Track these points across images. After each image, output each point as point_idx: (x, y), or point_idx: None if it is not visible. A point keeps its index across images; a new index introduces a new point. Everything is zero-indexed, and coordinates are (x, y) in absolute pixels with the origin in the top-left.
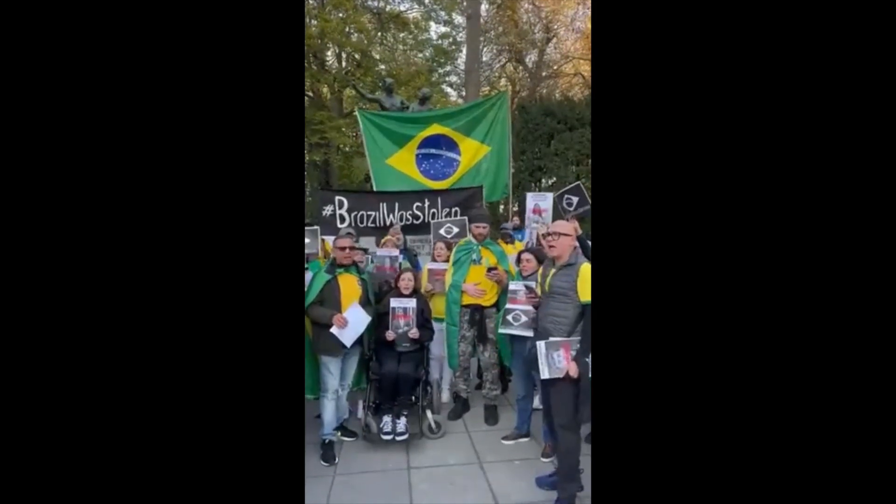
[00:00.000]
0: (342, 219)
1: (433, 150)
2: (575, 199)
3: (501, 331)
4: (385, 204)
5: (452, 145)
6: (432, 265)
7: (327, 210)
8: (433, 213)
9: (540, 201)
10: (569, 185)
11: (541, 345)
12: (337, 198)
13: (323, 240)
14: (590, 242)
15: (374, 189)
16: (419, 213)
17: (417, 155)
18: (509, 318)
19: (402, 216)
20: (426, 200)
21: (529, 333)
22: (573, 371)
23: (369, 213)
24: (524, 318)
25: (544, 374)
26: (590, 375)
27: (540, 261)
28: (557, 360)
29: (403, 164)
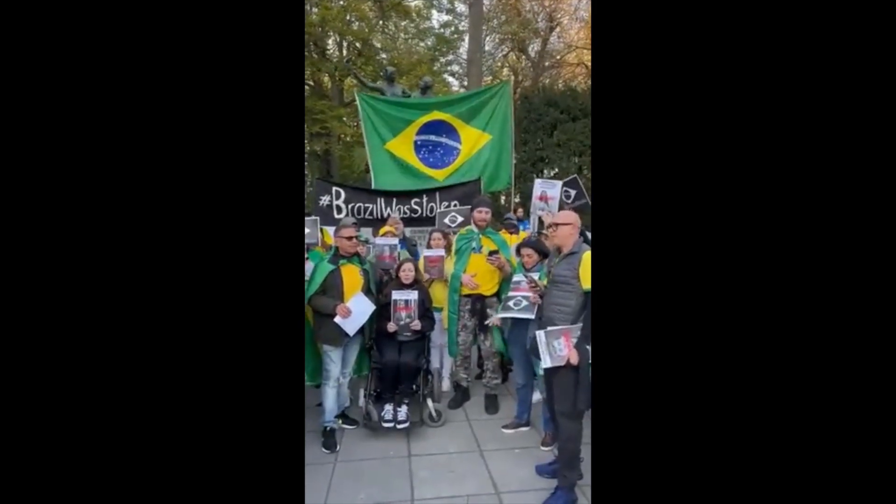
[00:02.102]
0: (339, 209)
1: (433, 137)
2: (573, 192)
3: (501, 315)
4: (382, 198)
5: (452, 132)
6: (428, 252)
7: (324, 200)
8: (431, 208)
9: (548, 188)
10: (568, 176)
11: (540, 334)
12: (334, 189)
13: (322, 230)
14: (589, 234)
15: (371, 173)
16: (417, 208)
17: (416, 141)
18: (510, 304)
19: (399, 210)
20: (424, 196)
21: (530, 316)
22: (573, 358)
23: (367, 205)
24: (525, 303)
25: (546, 362)
26: (589, 362)
27: (541, 253)
28: (559, 348)
29: (402, 150)
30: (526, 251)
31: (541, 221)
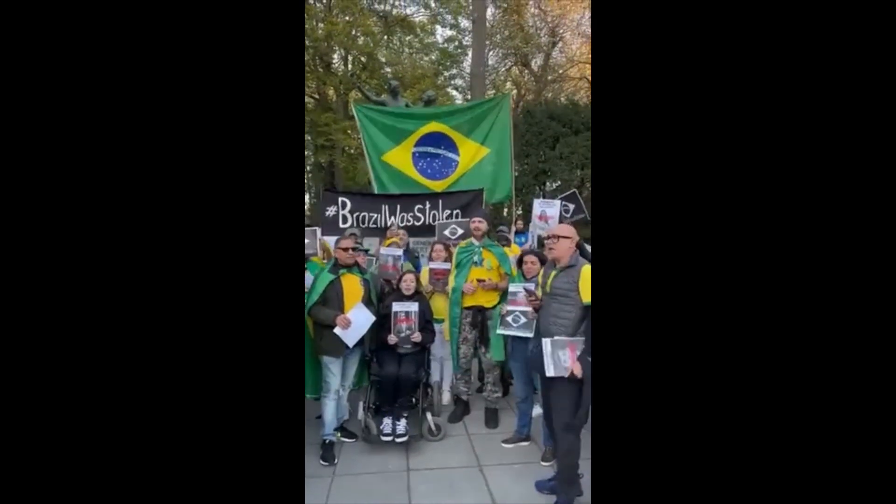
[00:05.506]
0: (344, 219)
1: (431, 149)
2: (571, 207)
3: (500, 332)
4: (387, 206)
5: (451, 144)
6: (433, 264)
7: (330, 211)
8: (433, 216)
9: (547, 208)
10: (569, 190)
11: (546, 342)
12: (340, 199)
13: (323, 240)
14: (588, 247)
15: (373, 184)
16: (420, 216)
17: (414, 153)
18: (509, 319)
19: (402, 218)
20: (427, 203)
21: (529, 334)
22: (578, 371)
23: (371, 214)
24: (524, 319)
25: (549, 371)
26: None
27: (544, 262)
28: (563, 359)
29: (400, 162)
30: (530, 258)
31: (539, 239)
